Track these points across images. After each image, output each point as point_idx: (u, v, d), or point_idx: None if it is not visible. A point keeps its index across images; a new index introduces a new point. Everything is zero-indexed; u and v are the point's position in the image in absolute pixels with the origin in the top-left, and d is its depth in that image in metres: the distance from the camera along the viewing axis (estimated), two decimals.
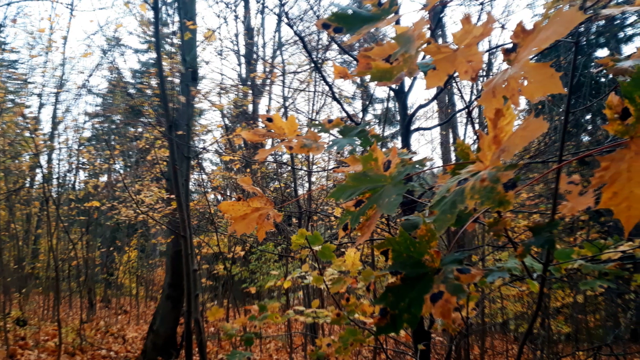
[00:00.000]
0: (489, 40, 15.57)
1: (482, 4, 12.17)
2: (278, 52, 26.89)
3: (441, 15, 8.03)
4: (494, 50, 12.65)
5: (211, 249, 19.91)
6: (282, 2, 9.19)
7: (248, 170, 19.16)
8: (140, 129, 24.67)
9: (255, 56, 26.91)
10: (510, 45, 1.79)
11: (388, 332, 1.77)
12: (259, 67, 27.82)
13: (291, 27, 9.15)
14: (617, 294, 15.49)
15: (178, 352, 16.11)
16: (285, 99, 22.58)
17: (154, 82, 21.00)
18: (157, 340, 16.09)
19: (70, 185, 28.08)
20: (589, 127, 19.87)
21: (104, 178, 28.19)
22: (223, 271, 19.32)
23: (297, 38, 20.67)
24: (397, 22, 2.37)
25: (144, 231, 30.21)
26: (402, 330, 2.35)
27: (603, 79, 18.56)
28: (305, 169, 18.37)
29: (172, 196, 13.90)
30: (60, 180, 23.34)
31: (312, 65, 17.19)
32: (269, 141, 19.95)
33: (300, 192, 18.61)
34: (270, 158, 17.26)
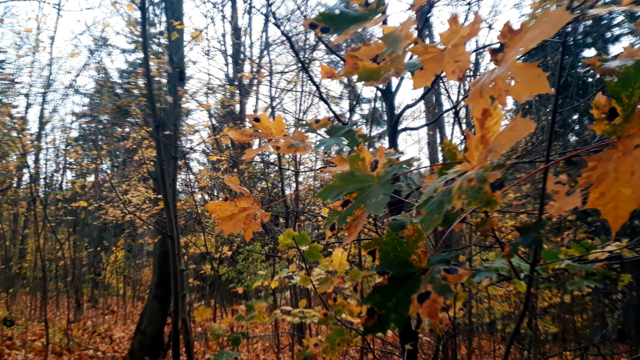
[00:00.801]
0: (476, 40, 15.62)
1: (469, 4, 12.19)
2: (265, 52, 26.91)
3: (428, 16, 8.05)
4: (482, 50, 12.69)
5: (198, 249, 19.89)
6: (270, 2, 9.15)
7: (235, 170, 19.18)
8: (127, 129, 24.66)
9: (242, 56, 26.90)
10: (498, 45, 1.80)
11: (375, 332, 1.77)
12: (246, 67, 27.81)
13: (278, 27, 9.15)
14: (604, 294, 15.57)
15: (165, 352, 16.08)
16: (272, 99, 22.54)
17: (141, 82, 21.01)
18: (145, 340, 16.07)
19: (57, 185, 28.08)
20: (576, 127, 19.97)
21: (91, 178, 28.18)
22: (210, 271, 19.27)
23: (284, 38, 20.60)
24: (385, 22, 2.37)
25: (131, 231, 30.18)
26: (389, 330, 2.35)
27: (590, 79, 18.64)
28: (292, 169, 18.40)
29: (160, 196, 13.91)
30: (47, 180, 23.35)
31: (300, 65, 17.23)
32: (257, 141, 19.95)
33: (287, 192, 18.63)
34: (257, 158, 17.25)
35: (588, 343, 11.62)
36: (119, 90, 26.29)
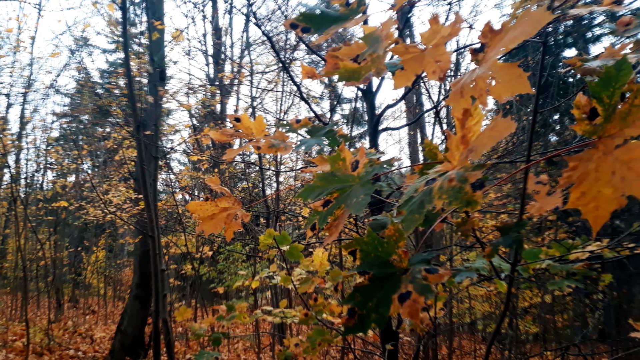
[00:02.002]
0: (457, 40, 15.67)
1: (450, 4, 12.22)
2: (246, 52, 26.89)
3: (409, 16, 8.05)
4: (462, 50, 12.72)
5: (179, 249, 19.88)
6: (250, 2, 9.17)
7: (216, 170, 19.17)
8: (108, 129, 24.60)
9: (223, 56, 26.90)
10: (478, 46, 1.80)
11: (356, 332, 1.77)
12: (227, 67, 27.82)
13: (259, 27, 9.15)
14: (585, 294, 15.64)
15: (146, 352, 16.07)
16: (253, 99, 22.55)
17: (121, 82, 20.98)
18: (125, 340, 16.05)
19: (38, 185, 28.05)
20: (557, 127, 20.04)
21: (72, 178, 28.12)
22: (191, 271, 19.27)
23: (265, 38, 20.66)
24: (365, 22, 2.36)
25: (112, 231, 30.16)
26: (370, 330, 2.35)
27: (571, 79, 18.71)
28: (273, 169, 18.40)
29: (140, 196, 13.86)
30: (28, 180, 23.23)
31: (280, 65, 17.23)
32: (237, 141, 19.95)
33: (268, 192, 18.62)
34: (238, 158, 17.25)
35: (569, 343, 11.66)
36: (99, 90, 26.26)
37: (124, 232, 29.63)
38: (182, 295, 24.87)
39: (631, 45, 2.43)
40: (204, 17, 27.05)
